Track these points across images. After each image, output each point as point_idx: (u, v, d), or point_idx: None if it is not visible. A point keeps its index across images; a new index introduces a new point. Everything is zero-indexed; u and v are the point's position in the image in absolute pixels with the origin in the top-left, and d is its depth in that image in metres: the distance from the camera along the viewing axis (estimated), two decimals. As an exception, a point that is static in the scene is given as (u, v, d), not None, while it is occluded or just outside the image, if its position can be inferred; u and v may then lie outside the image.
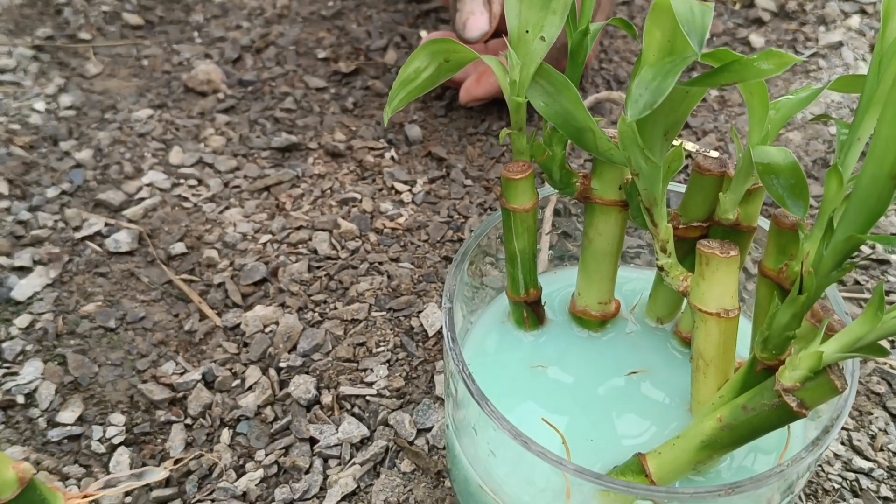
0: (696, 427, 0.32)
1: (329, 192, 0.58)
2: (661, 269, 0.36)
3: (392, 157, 0.61)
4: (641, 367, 0.38)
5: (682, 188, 0.39)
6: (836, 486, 0.41)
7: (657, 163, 0.32)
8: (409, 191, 0.58)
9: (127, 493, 0.41)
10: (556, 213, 0.45)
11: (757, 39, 0.74)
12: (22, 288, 0.50)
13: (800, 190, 0.30)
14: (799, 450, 0.35)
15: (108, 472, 0.41)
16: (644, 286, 0.42)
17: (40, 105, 0.66)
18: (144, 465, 0.42)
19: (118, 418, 0.44)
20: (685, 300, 0.40)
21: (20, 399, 0.45)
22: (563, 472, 0.30)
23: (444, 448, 0.42)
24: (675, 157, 0.34)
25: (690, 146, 0.56)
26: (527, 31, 0.33)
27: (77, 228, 0.54)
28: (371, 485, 0.41)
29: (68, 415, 0.44)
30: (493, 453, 0.32)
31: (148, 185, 0.58)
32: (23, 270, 0.52)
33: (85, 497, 0.38)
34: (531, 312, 0.39)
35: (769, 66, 0.29)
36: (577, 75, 0.35)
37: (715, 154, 0.37)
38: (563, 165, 0.36)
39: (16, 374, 0.46)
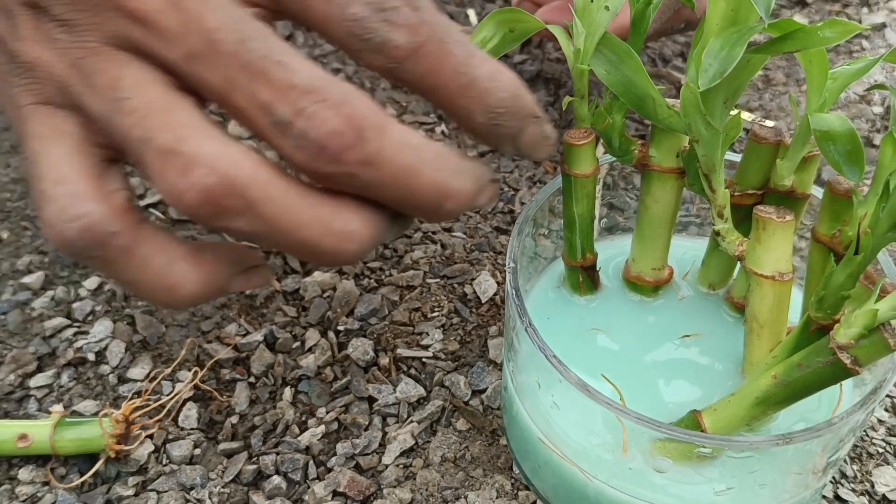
0: (751, 385, 0.33)
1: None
2: (717, 234, 0.37)
3: (442, 132, 0.62)
4: (694, 331, 0.40)
5: (737, 157, 0.40)
6: (881, 450, 0.42)
7: (717, 129, 0.33)
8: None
9: (196, 445, 0.43)
10: (605, 186, 0.46)
11: (801, 20, 0.75)
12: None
13: (856, 156, 0.31)
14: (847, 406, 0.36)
15: (178, 426, 0.44)
16: (695, 255, 0.43)
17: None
18: (211, 419, 0.44)
19: (185, 375, 0.46)
20: (737, 267, 0.41)
21: (91, 357, 0.47)
22: (621, 421, 0.32)
23: (498, 408, 0.44)
24: (733, 125, 0.36)
25: (747, 116, 0.56)
26: (591, 1, 0.34)
27: (141, 196, 0.57)
28: (428, 441, 0.43)
29: (138, 371, 0.46)
30: (556, 405, 0.34)
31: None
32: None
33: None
34: (587, 277, 0.41)
35: (832, 34, 0.30)
36: (638, 44, 0.36)
37: (770, 123, 0.38)
38: (622, 133, 0.38)
39: (86, 333, 0.48)
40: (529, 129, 0.29)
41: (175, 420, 0.44)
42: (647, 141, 0.38)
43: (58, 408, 0.43)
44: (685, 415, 0.35)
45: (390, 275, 0.51)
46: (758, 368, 0.36)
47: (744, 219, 0.38)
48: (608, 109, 0.37)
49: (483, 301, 0.49)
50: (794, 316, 0.37)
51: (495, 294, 0.50)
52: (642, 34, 0.36)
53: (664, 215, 0.39)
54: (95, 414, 0.44)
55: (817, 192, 0.38)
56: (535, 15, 0.64)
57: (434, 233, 0.54)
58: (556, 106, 0.65)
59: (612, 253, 0.44)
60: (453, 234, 0.54)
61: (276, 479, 0.41)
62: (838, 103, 0.66)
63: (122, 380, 0.46)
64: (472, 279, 0.51)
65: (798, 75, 0.68)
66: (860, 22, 0.75)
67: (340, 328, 0.48)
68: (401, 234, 0.27)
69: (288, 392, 0.45)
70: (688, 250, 0.44)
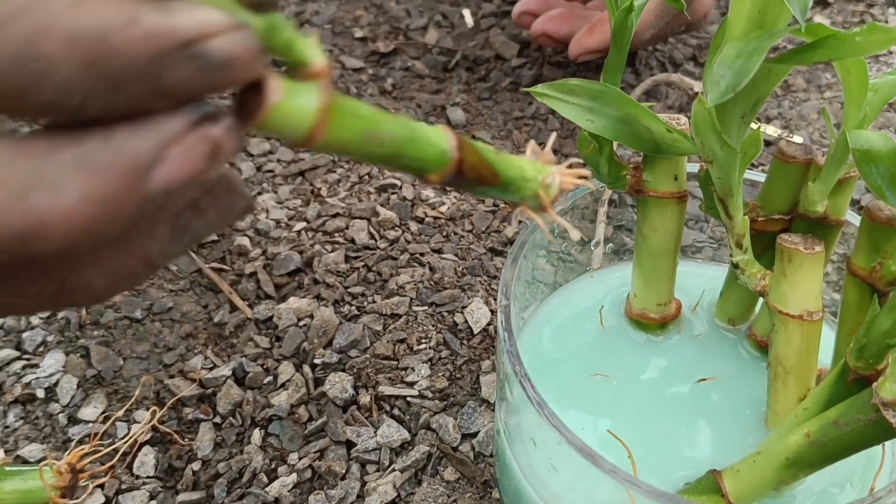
0: (780, 443, 0.30)
1: (367, 177, 0.56)
2: (735, 266, 0.34)
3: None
4: (710, 373, 0.36)
5: (761, 177, 0.36)
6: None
7: (734, 148, 0.30)
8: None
9: (152, 497, 0.39)
10: (611, 203, 0.43)
11: (822, 21, 0.71)
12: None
13: (902, 180, 0.28)
14: (890, 469, 0.32)
15: (132, 473, 0.40)
16: (707, 284, 0.40)
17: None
18: (171, 466, 0.40)
19: (143, 415, 0.42)
20: (758, 300, 0.37)
21: (40, 393, 0.43)
22: (629, 492, 0.28)
23: (491, 455, 0.40)
24: (752, 143, 0.32)
25: (772, 130, 0.53)
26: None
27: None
28: (412, 493, 0.39)
29: (90, 411, 0.42)
30: (554, 468, 0.30)
31: (177, 168, 0.56)
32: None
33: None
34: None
35: (871, 41, 0.27)
36: (621, 59, 0.32)
37: (799, 139, 0.34)
38: (611, 158, 0.34)
39: (36, 366, 0.45)
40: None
41: (129, 467, 0.40)
42: (640, 164, 0.35)
43: (-2, 454, 0.39)
44: (703, 476, 0.31)
45: (373, 301, 0.47)
46: (784, 420, 0.32)
47: (767, 248, 0.34)
48: (593, 135, 0.33)
49: (475, 332, 0.45)
50: (824, 357, 0.34)
51: (489, 324, 0.46)
52: (625, 46, 0.32)
53: (665, 245, 0.35)
54: (41, 460, 0.40)
55: (853, 218, 0.34)
56: (534, 25, 0.60)
57: (422, 255, 0.50)
58: (557, 116, 0.61)
59: (615, 284, 0.40)
60: (443, 255, 0.50)
61: (240, 537, 0.37)
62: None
63: (73, 420, 0.42)
64: (464, 307, 0.47)
65: (820, 81, 0.64)
66: (886, 22, 0.71)
67: (317, 361, 0.44)
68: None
69: (257, 434, 0.41)
70: (698, 278, 0.40)
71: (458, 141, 0.21)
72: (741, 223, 0.32)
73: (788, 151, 0.33)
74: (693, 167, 0.36)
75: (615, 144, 0.34)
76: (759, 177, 0.36)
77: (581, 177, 0.23)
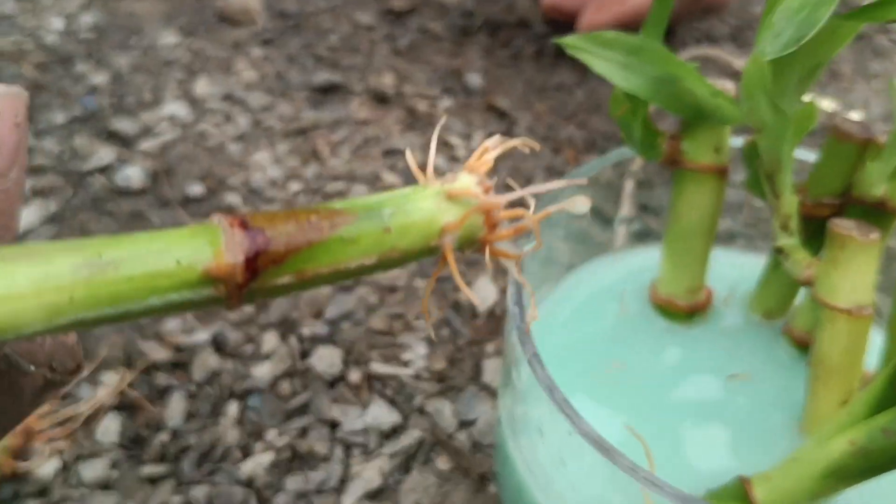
0: (819, 450, 0.27)
1: (373, 140, 0.53)
2: (779, 250, 0.31)
3: (447, 108, 0.56)
4: (741, 370, 0.33)
5: (810, 157, 0.34)
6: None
7: (787, 116, 0.27)
8: (465, 146, 0.53)
9: (113, 465, 0.36)
10: (637, 183, 0.40)
11: None
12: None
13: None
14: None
15: (94, 440, 0.37)
16: (741, 274, 0.37)
17: (59, 24, 0.62)
18: (137, 434, 0.38)
19: (111, 378, 0.39)
20: (799, 292, 0.35)
21: None
22: (645, 494, 0.25)
23: (490, 446, 0.38)
24: (806, 114, 0.29)
25: (827, 105, 0.50)
26: None
27: (85, 159, 0.50)
28: (400, 482, 0.36)
29: (55, 369, 0.40)
30: (562, 461, 0.27)
31: (168, 117, 0.53)
32: (19, 201, 0.48)
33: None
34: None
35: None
36: (664, 12, 0.30)
37: (857, 116, 0.32)
38: (646, 122, 0.31)
39: None
40: None
41: (91, 433, 0.38)
42: (678, 132, 0.32)
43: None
44: (729, 482, 0.28)
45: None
46: (823, 426, 0.29)
47: (813, 236, 0.31)
48: (628, 94, 0.30)
49: (480, 311, 0.43)
50: (871, 361, 0.31)
51: (495, 304, 0.43)
52: (665, 12, 0.29)
53: (700, 225, 0.33)
54: None
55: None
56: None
57: (428, 225, 0.47)
58: (583, 86, 0.58)
59: (638, 266, 0.38)
60: (450, 228, 0.47)
61: (207, 517, 0.35)
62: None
63: (35, 378, 0.40)
64: (469, 283, 0.44)
65: (868, 70, 0.62)
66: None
67: (305, 332, 0.42)
68: None
69: (234, 407, 0.39)
70: (731, 267, 0.38)
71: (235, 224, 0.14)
72: (789, 202, 0.30)
73: (845, 129, 0.30)
74: (736, 142, 0.33)
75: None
76: (809, 157, 0.34)
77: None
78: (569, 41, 0.30)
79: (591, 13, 0.56)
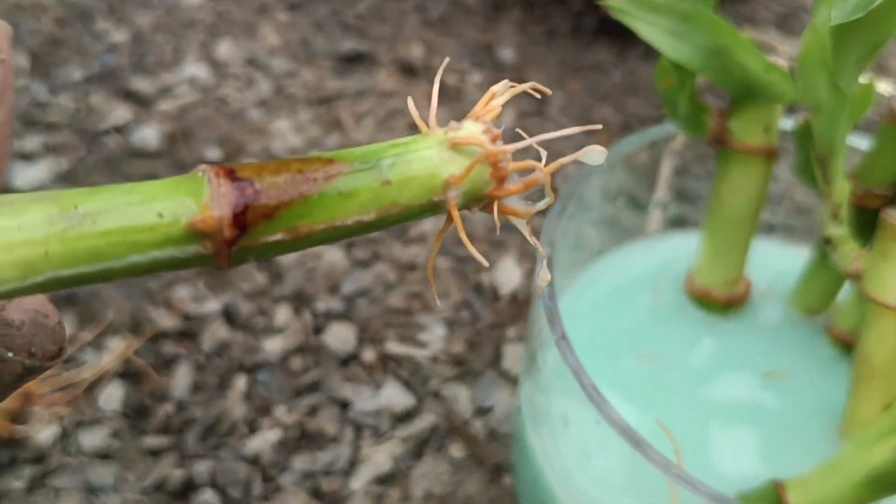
0: (861, 455, 0.25)
1: (398, 112, 0.52)
2: (827, 241, 0.29)
3: (476, 83, 0.54)
4: (778, 368, 0.32)
5: (862, 143, 0.32)
6: None
7: (845, 95, 0.26)
8: (494, 123, 0.51)
9: (114, 435, 0.35)
10: (674, 169, 0.39)
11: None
12: (26, 177, 0.45)
13: None
14: None
15: (96, 407, 0.36)
16: (781, 267, 0.35)
17: (80, -21, 0.61)
18: (141, 404, 0.37)
19: (116, 344, 0.38)
20: (843, 288, 0.33)
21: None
22: (673, 491, 0.24)
23: (506, 435, 0.36)
24: (863, 96, 0.28)
25: (883, 88, 0.48)
26: None
27: (101, 118, 0.49)
28: (411, 467, 0.35)
29: (59, 332, 0.39)
30: (586, 454, 0.26)
31: (188, 79, 0.52)
32: (30, 158, 0.47)
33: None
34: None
35: None
36: None
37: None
38: (692, 96, 0.30)
39: (6, 276, 0.41)
40: None
41: (94, 399, 0.37)
42: (726, 109, 0.30)
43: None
44: (762, 485, 0.27)
45: (390, 248, 0.43)
46: (864, 430, 0.28)
47: (865, 227, 0.30)
48: (675, 65, 0.29)
49: (502, 294, 0.41)
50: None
51: (518, 287, 0.42)
52: None
53: (744, 211, 0.31)
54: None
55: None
56: None
57: (452, 202, 0.46)
58: (620, 66, 0.57)
59: (672, 254, 0.36)
60: (475, 206, 0.46)
61: (208, 494, 0.34)
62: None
63: (39, 340, 0.39)
64: (492, 266, 0.43)
65: (919, 64, 0.59)
66: None
67: (319, 307, 0.41)
68: None
69: (242, 380, 0.38)
70: (772, 259, 0.36)
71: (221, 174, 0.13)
72: (841, 189, 0.28)
73: (906, 113, 0.28)
74: (786, 124, 0.32)
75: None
76: (861, 144, 0.32)
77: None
78: (614, 3, 0.28)
79: None
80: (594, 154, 0.16)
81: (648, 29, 0.28)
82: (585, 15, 0.60)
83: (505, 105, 0.48)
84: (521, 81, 0.46)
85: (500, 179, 0.15)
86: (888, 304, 0.27)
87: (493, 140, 0.15)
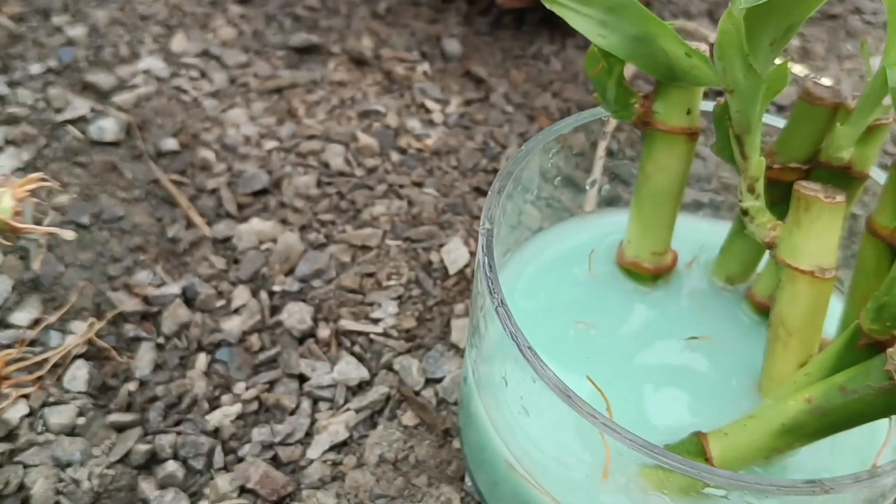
0: (776, 408, 0.27)
1: (349, 101, 0.52)
2: (744, 213, 0.31)
3: (424, 72, 0.55)
4: (702, 333, 0.33)
5: (778, 122, 0.34)
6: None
7: (759, 76, 0.27)
8: (441, 111, 0.52)
9: (80, 413, 0.36)
10: (609, 152, 0.40)
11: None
12: (-13, 168, 0.45)
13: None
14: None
15: (62, 387, 0.37)
16: (705, 240, 0.37)
17: (34, -25, 0.60)
18: (105, 383, 0.37)
19: (79, 327, 0.39)
20: (763, 259, 0.35)
21: (-29, 292, 0.40)
22: (605, 440, 0.25)
23: (455, 404, 0.38)
24: (778, 76, 0.29)
25: (798, 70, 0.50)
26: None
27: (59, 111, 0.49)
28: (366, 436, 0.36)
29: (23, 315, 0.39)
30: (524, 410, 0.27)
31: (144, 71, 0.53)
32: (-9, 150, 0.47)
33: None
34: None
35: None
36: None
37: (828, 81, 0.32)
38: (620, 81, 0.31)
39: (-31, 265, 0.41)
40: None
41: (59, 380, 0.37)
42: (652, 93, 0.32)
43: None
44: (686, 437, 0.28)
45: (343, 230, 0.44)
46: (780, 386, 0.30)
47: (779, 201, 0.32)
48: (603, 52, 0.30)
49: (451, 273, 0.43)
50: (828, 326, 0.31)
51: (466, 266, 0.43)
52: None
53: (669, 187, 0.33)
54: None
55: (877, 176, 0.31)
56: None
57: (401, 187, 0.47)
58: (559, 57, 0.58)
59: (606, 230, 0.38)
60: (424, 190, 0.47)
61: (173, 466, 0.35)
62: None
63: (3, 324, 0.39)
64: (441, 245, 0.44)
65: (840, 51, 0.62)
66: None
67: (276, 289, 0.42)
68: None
69: (202, 359, 0.39)
70: (696, 233, 0.38)
71: None
72: (757, 164, 0.30)
73: (816, 93, 0.30)
74: (707, 105, 0.33)
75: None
76: (777, 122, 0.34)
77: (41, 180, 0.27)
78: None
79: None
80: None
81: (579, 19, 0.29)
82: (529, 8, 0.61)
83: (451, 94, 0.50)
84: (465, 71, 0.48)
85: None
86: (800, 269, 0.29)
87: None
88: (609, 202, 0.40)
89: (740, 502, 0.24)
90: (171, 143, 0.48)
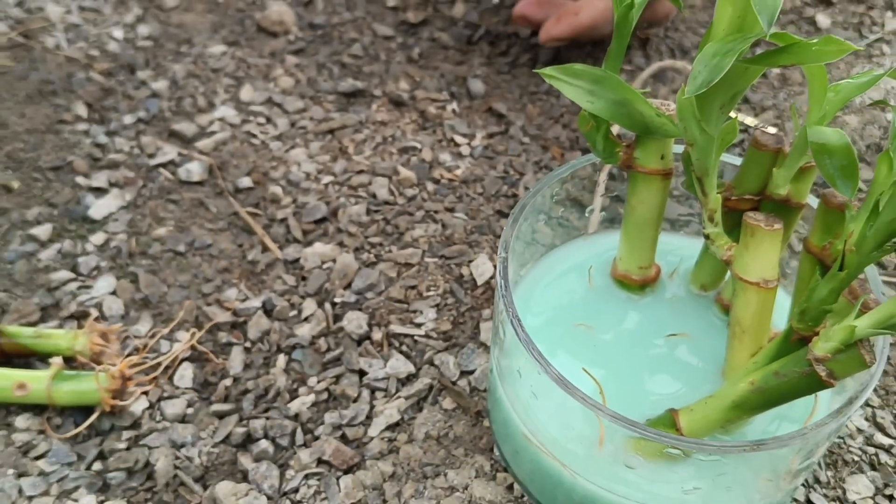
0: (729, 389, 0.34)
1: (391, 139, 0.60)
2: (707, 237, 0.38)
3: (453, 110, 0.63)
4: (681, 331, 0.40)
5: (738, 160, 0.40)
6: (857, 458, 0.43)
7: (712, 135, 0.34)
8: (468, 144, 0.60)
9: (189, 405, 0.44)
10: (610, 176, 0.47)
11: (823, 20, 0.74)
12: (98, 208, 0.53)
13: (850, 171, 0.31)
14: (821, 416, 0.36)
15: (173, 384, 0.45)
16: (685, 254, 0.43)
17: (119, 33, 0.68)
18: (206, 380, 0.45)
19: (183, 336, 0.47)
20: (728, 270, 0.42)
21: (93, 311, 0.48)
22: (599, 418, 0.32)
23: (484, 390, 0.45)
24: (729, 130, 0.35)
25: (750, 121, 0.56)
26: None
27: (151, 156, 0.57)
28: (414, 418, 0.44)
29: (137, 329, 0.47)
30: (535, 395, 0.35)
31: (219, 119, 0.60)
32: (99, 191, 0.55)
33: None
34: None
35: (827, 51, 0.30)
36: (622, 48, 0.36)
37: (773, 130, 0.38)
38: (607, 136, 0.38)
39: (90, 287, 0.49)
40: None
41: (171, 379, 0.45)
42: (632, 142, 0.38)
43: (57, 360, 0.44)
44: (662, 413, 0.35)
45: (390, 251, 0.52)
46: (737, 372, 0.36)
47: (737, 224, 0.38)
48: (592, 114, 0.37)
49: (479, 283, 0.50)
50: (782, 322, 0.38)
51: (491, 277, 0.50)
52: (625, 37, 0.35)
53: (650, 216, 0.39)
54: (93, 367, 0.45)
55: (813, 202, 0.38)
56: (516, 7, 0.64)
57: (436, 212, 0.54)
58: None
59: (604, 247, 0.44)
60: (455, 214, 0.54)
61: (264, 444, 0.42)
62: (851, 106, 0.66)
63: (127, 336, 0.47)
64: (470, 261, 0.51)
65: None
66: (883, 26, 0.74)
67: (337, 300, 0.49)
68: None
69: (282, 359, 0.46)
70: (678, 248, 0.44)
71: None
72: (714, 200, 0.36)
73: (762, 140, 0.37)
74: (679, 148, 0.40)
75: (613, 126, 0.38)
76: (737, 160, 0.40)
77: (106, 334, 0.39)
78: (545, 71, 0.36)
79: (551, 25, 0.62)
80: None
81: (571, 89, 0.36)
82: (540, 46, 0.68)
83: (476, 128, 0.58)
84: (488, 108, 0.55)
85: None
86: (749, 280, 0.35)
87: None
88: (611, 221, 0.47)
89: (699, 460, 0.31)
90: (246, 181, 0.56)
